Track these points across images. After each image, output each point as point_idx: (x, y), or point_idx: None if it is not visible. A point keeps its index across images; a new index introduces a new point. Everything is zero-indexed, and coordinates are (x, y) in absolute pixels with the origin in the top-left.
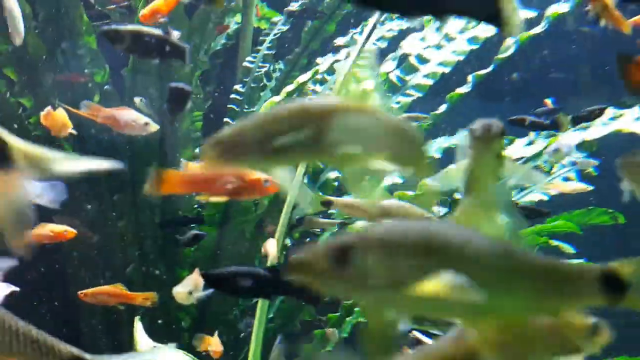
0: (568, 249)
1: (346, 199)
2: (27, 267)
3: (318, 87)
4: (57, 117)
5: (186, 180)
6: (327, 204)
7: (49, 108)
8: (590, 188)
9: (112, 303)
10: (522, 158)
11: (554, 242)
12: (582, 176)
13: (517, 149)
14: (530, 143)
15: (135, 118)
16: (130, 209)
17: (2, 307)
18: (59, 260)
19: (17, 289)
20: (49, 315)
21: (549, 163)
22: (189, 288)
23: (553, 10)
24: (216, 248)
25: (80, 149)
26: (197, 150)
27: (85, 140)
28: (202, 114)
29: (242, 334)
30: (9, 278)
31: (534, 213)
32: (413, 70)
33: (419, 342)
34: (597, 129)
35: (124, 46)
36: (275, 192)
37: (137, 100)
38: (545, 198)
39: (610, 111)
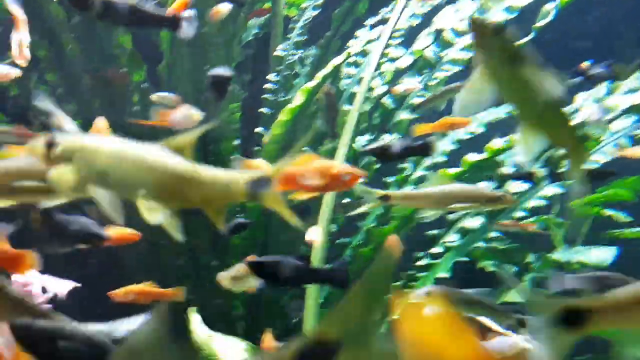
0: (622, 217)
1: (404, 191)
2: (80, 264)
3: (353, 69)
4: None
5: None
6: (386, 199)
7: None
8: None
9: (143, 301)
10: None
11: (607, 212)
12: (635, 141)
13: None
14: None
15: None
16: None
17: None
18: (111, 255)
19: (79, 284)
20: (102, 312)
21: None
22: (233, 274)
23: None
24: (265, 237)
25: None
26: (236, 142)
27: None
28: (239, 105)
29: (294, 320)
30: (63, 275)
31: (600, 174)
32: (449, 45)
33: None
34: None
35: (93, 14)
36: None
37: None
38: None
39: None
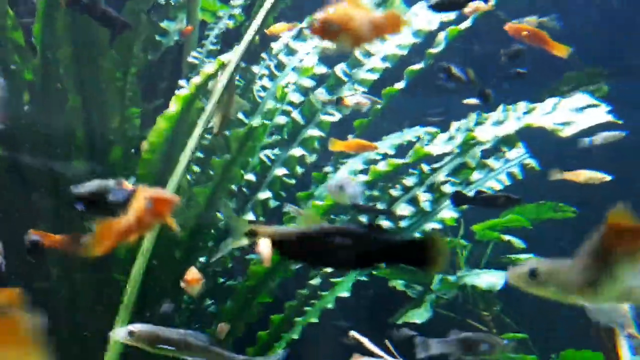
0: (518, 243)
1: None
2: None
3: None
4: None
5: None
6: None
7: None
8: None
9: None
10: (445, 154)
11: (506, 237)
12: (525, 171)
13: (439, 145)
14: (451, 138)
15: None
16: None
17: None
18: None
19: None
20: None
21: (474, 157)
22: None
23: None
24: None
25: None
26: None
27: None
28: (139, 111)
29: None
30: None
31: (504, 200)
32: (358, 64)
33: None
34: (510, 124)
35: None
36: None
37: None
38: (500, 186)
39: (522, 105)
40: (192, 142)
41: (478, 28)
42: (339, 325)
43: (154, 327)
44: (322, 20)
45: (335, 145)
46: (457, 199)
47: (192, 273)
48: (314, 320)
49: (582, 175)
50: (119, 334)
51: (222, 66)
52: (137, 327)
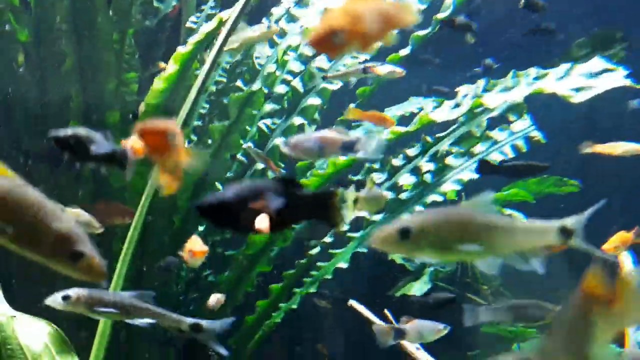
0: (520, 218)
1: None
2: None
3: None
4: None
5: None
6: None
7: None
8: None
9: None
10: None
11: (507, 212)
12: (531, 143)
13: (445, 112)
14: (457, 105)
15: None
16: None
17: None
18: None
19: None
20: None
21: (480, 127)
22: None
23: None
24: None
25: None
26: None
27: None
28: (137, 75)
29: None
30: None
31: (531, 169)
32: None
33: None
34: (520, 90)
35: None
36: None
37: None
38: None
39: (533, 71)
40: (188, 104)
41: None
42: (329, 294)
43: (92, 291)
44: (323, 31)
45: (352, 113)
46: (483, 167)
47: (197, 244)
48: (313, 290)
49: (619, 147)
50: (54, 299)
51: (222, 23)
52: (73, 291)
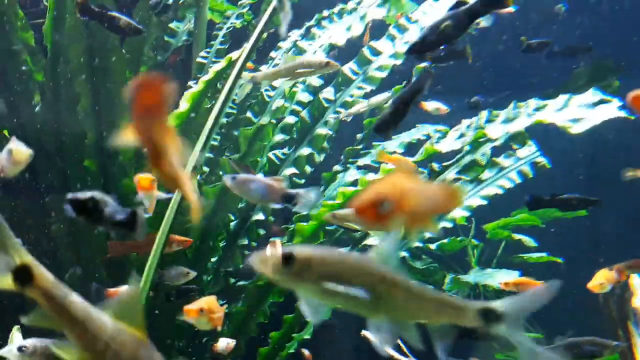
0: (529, 242)
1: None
2: None
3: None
4: None
5: None
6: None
7: None
8: None
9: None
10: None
11: (516, 236)
12: (536, 168)
13: (449, 142)
14: (462, 135)
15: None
16: None
17: None
18: None
19: None
20: None
21: (485, 156)
22: None
23: None
24: None
25: None
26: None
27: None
28: None
29: None
30: None
31: (583, 202)
32: (367, 62)
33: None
34: (521, 121)
35: None
36: None
37: None
38: (501, 192)
39: (533, 102)
40: (201, 139)
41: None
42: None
43: (49, 342)
44: (369, 198)
45: (381, 156)
46: (533, 203)
47: (214, 305)
48: (326, 318)
49: None
50: (9, 350)
51: (231, 63)
52: (30, 342)
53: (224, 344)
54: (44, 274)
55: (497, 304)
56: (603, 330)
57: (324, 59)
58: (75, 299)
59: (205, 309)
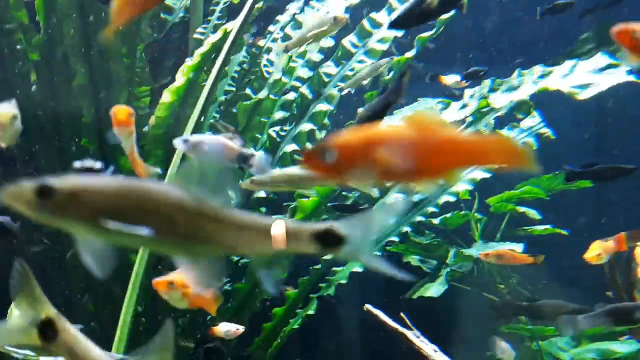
0: (534, 215)
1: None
2: None
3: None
4: None
5: None
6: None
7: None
8: None
9: None
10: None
11: (521, 209)
12: (540, 140)
13: (452, 113)
14: (464, 106)
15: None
16: None
17: None
18: None
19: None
20: None
21: (488, 125)
22: None
23: None
24: None
25: None
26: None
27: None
28: (149, 89)
29: None
30: None
31: (617, 171)
32: (367, 35)
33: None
34: (525, 88)
35: None
36: None
37: None
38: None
39: (538, 69)
40: (195, 114)
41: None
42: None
43: None
44: (319, 147)
45: None
46: (569, 176)
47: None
48: (330, 293)
49: None
50: None
51: (227, 34)
52: None
53: (227, 328)
54: (67, 329)
55: (336, 225)
56: (608, 301)
57: (330, 15)
58: (98, 354)
59: (176, 282)
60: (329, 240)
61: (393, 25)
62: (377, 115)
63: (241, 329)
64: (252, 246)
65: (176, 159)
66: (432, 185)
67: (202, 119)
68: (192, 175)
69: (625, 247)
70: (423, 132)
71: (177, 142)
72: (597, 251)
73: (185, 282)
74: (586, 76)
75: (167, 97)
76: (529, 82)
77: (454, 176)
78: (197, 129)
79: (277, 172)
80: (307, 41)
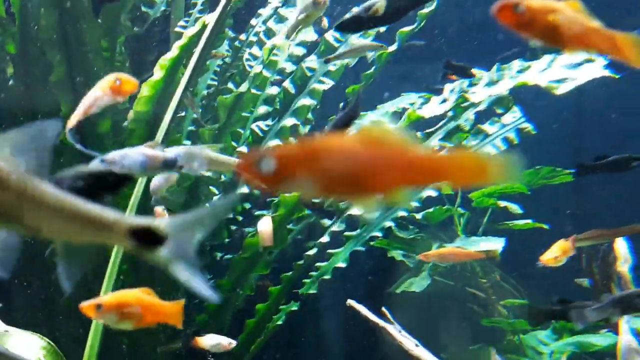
0: (516, 209)
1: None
2: None
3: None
4: None
5: None
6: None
7: None
8: None
9: None
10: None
11: (502, 204)
12: (521, 134)
13: (432, 107)
14: (444, 101)
15: None
16: None
17: None
18: None
19: None
20: None
21: (468, 121)
22: None
23: None
24: None
25: None
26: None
27: None
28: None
29: None
30: None
31: (631, 160)
32: None
33: None
34: (504, 83)
35: None
36: None
37: None
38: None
39: (517, 64)
40: (172, 106)
41: None
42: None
43: None
44: (253, 156)
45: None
46: (582, 170)
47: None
48: (313, 291)
49: None
50: None
51: (205, 26)
52: None
53: (216, 341)
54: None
55: (159, 222)
56: (586, 293)
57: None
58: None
59: (106, 304)
60: (148, 238)
61: (338, 28)
62: (341, 129)
63: (233, 343)
64: (76, 235)
65: None
66: (376, 205)
67: (182, 113)
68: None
69: (573, 249)
70: (369, 146)
71: (94, 163)
72: (557, 253)
73: (126, 300)
74: (563, 71)
75: (145, 91)
76: (507, 76)
77: (403, 196)
78: (176, 123)
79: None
80: (298, 26)
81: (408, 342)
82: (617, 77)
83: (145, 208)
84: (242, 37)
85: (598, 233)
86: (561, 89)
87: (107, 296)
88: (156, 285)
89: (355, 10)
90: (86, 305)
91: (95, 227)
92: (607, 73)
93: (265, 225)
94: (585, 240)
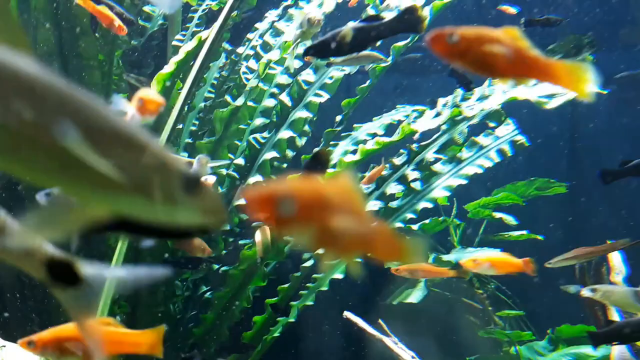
0: (511, 220)
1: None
2: None
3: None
4: None
5: None
6: None
7: None
8: None
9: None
10: (435, 129)
11: (497, 215)
12: (515, 147)
13: (426, 121)
14: (438, 114)
15: None
16: None
17: None
18: None
19: None
20: None
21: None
22: None
23: None
24: None
25: None
26: None
27: None
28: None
29: None
30: None
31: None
32: None
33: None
34: (495, 98)
35: None
36: None
37: None
38: (481, 171)
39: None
40: (170, 121)
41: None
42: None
43: None
44: (268, 192)
45: None
46: (606, 177)
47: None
48: (310, 302)
49: None
50: None
51: (202, 42)
52: None
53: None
54: None
55: (80, 262)
56: (579, 303)
57: (305, 14)
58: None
59: (38, 341)
60: (64, 274)
61: (306, 53)
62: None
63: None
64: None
65: None
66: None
67: (180, 126)
68: None
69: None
70: (317, 196)
71: (39, 197)
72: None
73: (65, 334)
74: (553, 86)
75: None
76: (499, 91)
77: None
78: (174, 137)
79: None
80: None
81: (405, 354)
82: (604, 92)
83: None
84: (240, 50)
85: (574, 254)
86: (551, 104)
87: (45, 332)
88: (159, 287)
89: (324, 37)
90: (21, 342)
91: (17, 255)
92: (596, 89)
93: (262, 236)
94: (561, 262)
